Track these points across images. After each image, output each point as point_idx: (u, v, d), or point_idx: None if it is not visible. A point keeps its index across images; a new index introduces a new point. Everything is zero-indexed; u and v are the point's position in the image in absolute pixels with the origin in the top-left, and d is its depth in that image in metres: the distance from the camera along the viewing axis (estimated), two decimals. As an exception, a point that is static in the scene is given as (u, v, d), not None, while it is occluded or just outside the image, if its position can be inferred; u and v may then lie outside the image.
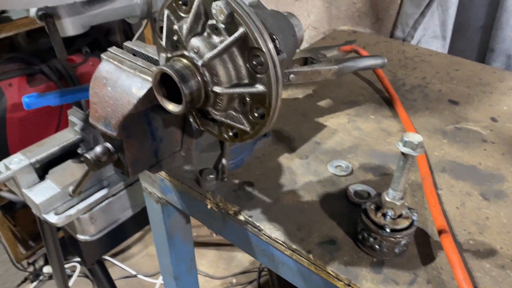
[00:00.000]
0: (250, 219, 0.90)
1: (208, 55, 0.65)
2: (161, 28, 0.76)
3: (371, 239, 0.82)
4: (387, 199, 0.80)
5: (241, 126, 0.72)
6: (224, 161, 0.97)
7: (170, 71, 0.65)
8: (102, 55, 0.87)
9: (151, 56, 0.86)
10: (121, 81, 0.82)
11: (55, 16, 1.15)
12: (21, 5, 0.95)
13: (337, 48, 1.34)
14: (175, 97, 0.72)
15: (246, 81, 0.67)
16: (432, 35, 1.62)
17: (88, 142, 1.46)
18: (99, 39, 2.77)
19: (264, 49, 0.63)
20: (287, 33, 0.79)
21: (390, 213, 0.80)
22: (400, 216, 0.81)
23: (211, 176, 0.96)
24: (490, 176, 1.01)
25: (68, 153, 1.44)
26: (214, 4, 0.63)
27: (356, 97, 1.32)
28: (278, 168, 1.04)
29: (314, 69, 1.10)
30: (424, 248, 0.85)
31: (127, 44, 0.90)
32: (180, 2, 0.70)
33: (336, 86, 1.36)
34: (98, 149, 0.84)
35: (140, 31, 1.72)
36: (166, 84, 0.70)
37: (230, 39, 0.64)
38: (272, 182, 1.00)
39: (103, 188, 1.41)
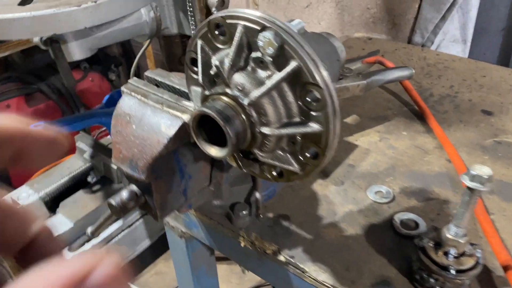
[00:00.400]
0: (292, 259, 0.83)
1: (255, 93, 0.57)
2: (192, 59, 0.67)
3: (432, 280, 0.74)
4: (449, 236, 0.72)
5: (289, 167, 0.64)
6: (257, 195, 0.89)
7: (214, 114, 0.57)
8: (123, 88, 0.78)
9: (177, 87, 0.78)
10: (147, 118, 0.74)
11: (61, 41, 1.07)
12: (27, 35, 0.87)
13: (360, 60, 1.26)
14: (215, 139, 0.64)
15: (297, 119, 0.59)
16: (452, 39, 1.55)
17: (99, 170, 1.37)
18: (96, 52, 2.68)
19: (321, 85, 0.55)
20: (333, 59, 0.71)
21: (452, 251, 0.72)
22: (463, 254, 0.74)
23: (244, 212, 0.88)
24: (542, 196, 0.94)
25: (78, 182, 1.36)
26: (261, 36, 0.55)
27: (384, 112, 1.24)
28: (313, 197, 0.96)
29: (342, 86, 1.02)
30: (488, 285, 0.77)
31: (148, 74, 0.81)
32: (217, 32, 0.61)
33: (361, 100, 1.28)
34: (124, 194, 0.75)
35: (142, 50, 1.63)
36: (204, 125, 0.62)
37: (281, 74, 0.56)
38: (310, 214, 0.92)
39: (118, 219, 1.32)
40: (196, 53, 0.65)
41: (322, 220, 0.91)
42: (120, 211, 0.76)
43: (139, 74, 2.52)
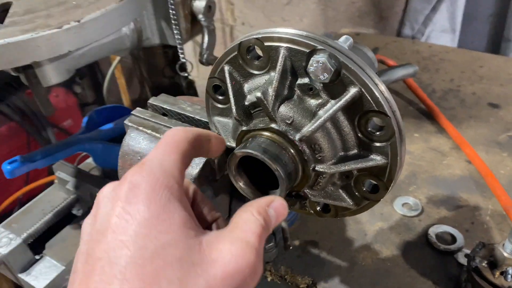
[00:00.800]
0: (330, 293, 0.75)
1: (309, 128, 0.48)
2: (215, 87, 0.58)
3: (489, 303, 0.69)
4: (506, 254, 0.67)
5: (342, 204, 0.56)
6: (283, 223, 0.80)
7: (261, 155, 0.47)
8: (126, 122, 0.67)
9: (191, 116, 0.67)
10: (162, 157, 0.63)
11: (35, 65, 0.93)
12: (1, 65, 0.74)
13: (360, 60, 1.19)
14: (254, 179, 0.54)
15: (355, 151, 0.51)
16: (441, 29, 1.51)
17: (85, 201, 1.24)
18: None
19: (388, 113, 0.47)
20: (373, 73, 0.63)
21: (511, 271, 0.67)
22: (520, 271, 0.68)
23: (269, 244, 0.79)
24: None
25: (63, 217, 1.22)
26: (313, 60, 0.46)
27: (390, 113, 1.18)
28: (337, 216, 0.89)
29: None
30: (542, 299, 0.72)
31: (152, 102, 0.71)
32: (249, 56, 0.52)
33: (364, 102, 1.22)
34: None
35: (110, 70, 1.49)
36: (243, 166, 0.53)
37: (339, 104, 0.47)
38: (338, 237, 0.85)
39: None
40: (221, 80, 0.56)
41: (353, 243, 0.83)
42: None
43: (101, 85, 2.35)
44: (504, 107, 1.17)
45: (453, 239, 0.83)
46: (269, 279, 0.81)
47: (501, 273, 0.68)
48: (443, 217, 0.88)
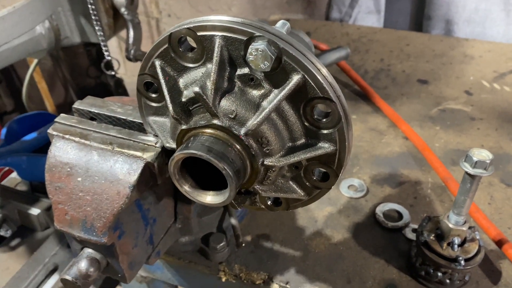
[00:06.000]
0: (287, 286, 0.73)
1: (253, 121, 0.45)
2: (147, 84, 0.53)
3: (439, 274, 0.70)
4: (451, 226, 0.68)
5: (293, 196, 0.54)
6: (233, 221, 0.77)
7: (206, 155, 0.44)
8: (50, 131, 0.60)
9: (123, 117, 0.62)
10: (95, 165, 0.57)
11: None
12: None
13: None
14: (201, 180, 0.51)
15: (303, 140, 0.49)
16: (367, 10, 1.54)
17: (14, 220, 1.14)
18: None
19: (333, 98, 0.45)
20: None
21: (456, 241, 0.69)
22: (465, 240, 0.71)
23: (221, 244, 0.76)
24: (499, 158, 0.96)
25: (-10, 240, 1.11)
26: (251, 49, 0.43)
27: (326, 97, 1.18)
28: (286, 206, 0.87)
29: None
30: (485, 263, 0.76)
31: (77, 106, 0.64)
32: (181, 49, 0.48)
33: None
34: (83, 265, 0.59)
35: (28, 74, 1.36)
36: (186, 167, 0.49)
37: (283, 93, 0.45)
38: (290, 227, 0.83)
39: (52, 271, 1.11)
40: (152, 76, 0.51)
41: (305, 231, 0.82)
42: (81, 286, 0.59)
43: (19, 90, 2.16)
44: (432, 82, 1.22)
45: (400, 216, 0.85)
46: (223, 280, 0.78)
47: (448, 244, 0.70)
48: (387, 195, 0.89)
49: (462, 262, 0.68)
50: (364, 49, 1.38)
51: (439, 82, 1.22)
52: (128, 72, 1.78)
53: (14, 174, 1.28)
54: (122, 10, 1.08)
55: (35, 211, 1.10)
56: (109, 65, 1.15)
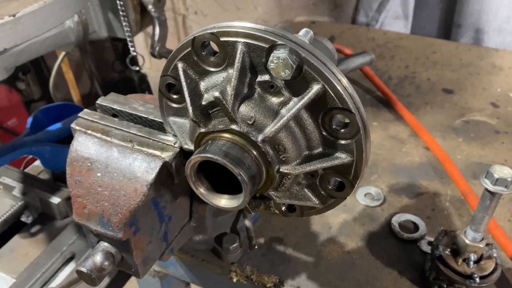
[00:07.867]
0: (298, 290, 0.74)
1: (271, 128, 0.45)
2: (169, 85, 0.54)
3: (453, 290, 0.69)
4: (468, 242, 0.67)
5: (308, 203, 0.54)
6: (247, 222, 0.78)
7: (223, 159, 0.44)
8: (73, 126, 0.62)
9: (144, 116, 0.63)
10: (114, 162, 0.59)
11: (-33, 65, 0.85)
12: None
13: (317, 49, 1.17)
14: (215, 184, 0.51)
15: (319, 149, 0.49)
16: (394, 15, 1.52)
17: (35, 208, 1.17)
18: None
19: (352, 110, 0.45)
20: (334, 66, 0.61)
21: (473, 257, 0.68)
22: (481, 257, 0.69)
23: (234, 245, 0.77)
24: (523, 174, 0.93)
25: (11, 226, 1.14)
26: (273, 56, 0.43)
27: (348, 102, 1.17)
28: (301, 211, 0.87)
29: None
30: (501, 281, 0.74)
31: (101, 102, 0.65)
32: (204, 53, 0.48)
33: (322, 92, 1.21)
34: (98, 258, 0.60)
35: (57, 64, 1.40)
36: (202, 170, 0.50)
37: (302, 102, 0.45)
38: (304, 232, 0.83)
39: (69, 259, 1.13)
40: (174, 78, 0.52)
41: (318, 237, 0.82)
42: (95, 279, 0.61)
43: (47, 80, 2.20)
44: (457, 92, 1.20)
45: (416, 227, 0.84)
46: (234, 280, 0.79)
47: (464, 260, 0.69)
48: (404, 205, 0.88)
49: (477, 279, 0.67)
50: (389, 55, 1.36)
51: (465, 92, 1.19)
52: (153, 67, 1.80)
53: (37, 162, 1.31)
54: (150, 7, 1.09)
55: (55, 199, 1.13)
56: (134, 61, 1.16)
